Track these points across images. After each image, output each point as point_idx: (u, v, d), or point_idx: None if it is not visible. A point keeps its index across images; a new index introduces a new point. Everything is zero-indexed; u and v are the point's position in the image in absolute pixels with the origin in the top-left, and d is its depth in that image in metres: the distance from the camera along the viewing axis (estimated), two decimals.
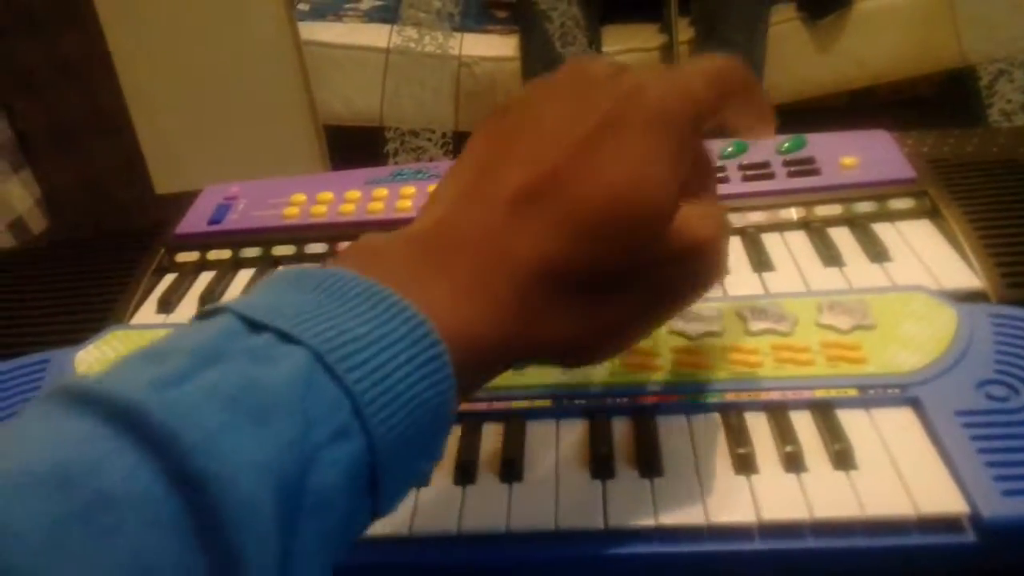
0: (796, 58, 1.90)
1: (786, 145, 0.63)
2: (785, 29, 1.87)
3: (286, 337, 0.25)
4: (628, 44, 1.88)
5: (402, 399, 0.26)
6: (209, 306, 0.28)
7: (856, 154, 0.60)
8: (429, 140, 1.78)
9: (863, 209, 0.57)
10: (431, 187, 0.67)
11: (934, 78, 1.95)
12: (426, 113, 1.79)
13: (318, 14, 2.07)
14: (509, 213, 0.31)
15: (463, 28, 1.89)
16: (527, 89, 0.35)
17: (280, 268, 0.28)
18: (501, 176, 0.32)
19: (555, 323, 0.30)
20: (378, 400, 0.25)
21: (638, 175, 0.30)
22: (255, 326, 0.26)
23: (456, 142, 1.79)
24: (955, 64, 1.85)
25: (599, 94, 0.32)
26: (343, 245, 0.62)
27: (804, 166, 0.60)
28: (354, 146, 1.68)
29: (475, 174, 0.33)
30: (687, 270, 0.33)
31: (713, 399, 0.40)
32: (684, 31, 1.79)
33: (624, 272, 0.31)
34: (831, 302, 0.45)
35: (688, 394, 0.41)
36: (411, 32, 1.79)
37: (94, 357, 0.49)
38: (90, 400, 0.23)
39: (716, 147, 0.63)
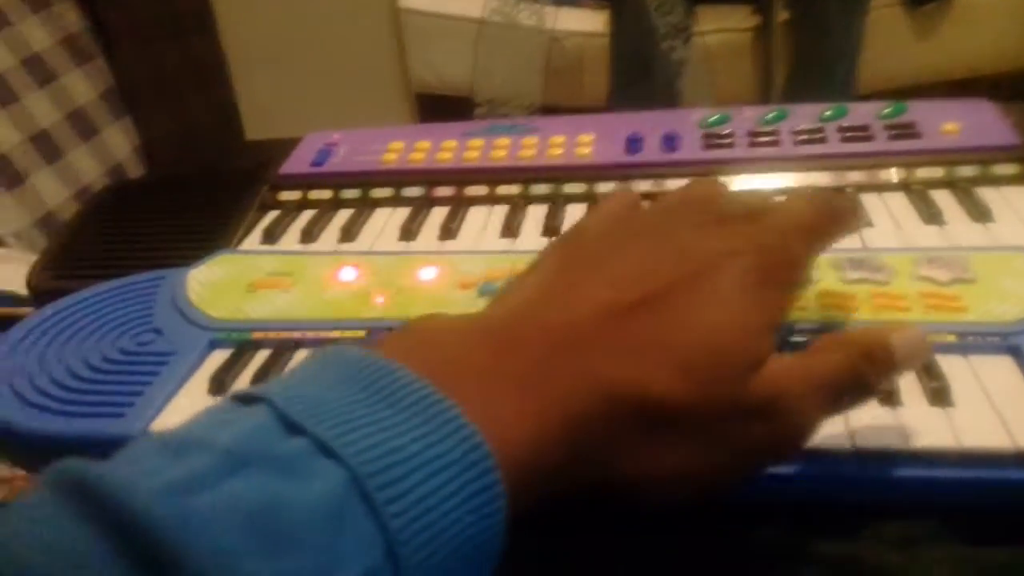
0: (894, 46, 1.85)
1: (886, 111, 0.63)
2: (885, 15, 1.82)
3: (324, 448, 0.23)
4: (721, 24, 1.85)
5: (444, 536, 0.23)
6: (250, 389, 0.25)
7: (958, 120, 0.60)
8: (518, 108, 1.79)
9: (965, 173, 0.56)
10: (525, 140, 0.69)
11: None
12: (516, 85, 1.80)
13: None
14: (599, 326, 0.28)
15: (556, 2, 1.89)
16: (604, 222, 0.34)
17: (333, 347, 0.27)
18: (588, 288, 0.29)
19: (624, 458, 0.27)
20: (416, 538, 0.22)
21: (737, 320, 0.29)
22: (293, 427, 0.23)
23: (544, 115, 1.80)
24: None
25: (691, 242, 0.31)
26: (440, 190, 0.64)
27: (904, 130, 0.60)
28: (442, 114, 1.70)
29: (556, 279, 0.31)
30: (765, 424, 0.29)
31: (807, 339, 0.41)
32: (779, 13, 1.77)
33: (702, 416, 0.28)
34: (930, 256, 0.45)
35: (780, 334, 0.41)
36: (508, 1, 1.80)
37: (205, 276, 0.52)
38: (95, 500, 0.21)
39: (811, 111, 0.63)
